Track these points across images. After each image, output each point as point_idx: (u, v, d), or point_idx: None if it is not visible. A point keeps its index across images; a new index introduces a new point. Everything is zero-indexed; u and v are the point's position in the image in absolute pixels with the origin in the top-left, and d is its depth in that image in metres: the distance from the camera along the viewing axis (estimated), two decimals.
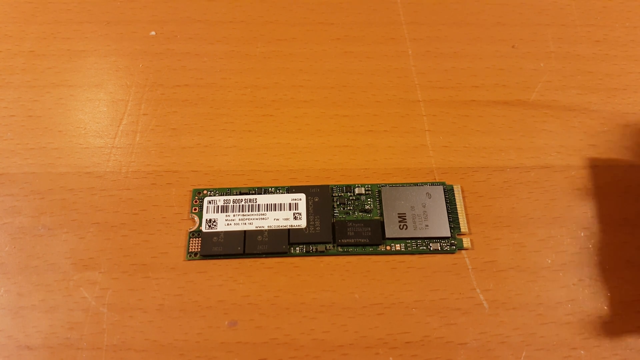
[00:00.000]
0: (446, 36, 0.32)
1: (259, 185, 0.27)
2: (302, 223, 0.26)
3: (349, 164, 0.28)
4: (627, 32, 0.32)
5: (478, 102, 0.30)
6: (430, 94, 0.30)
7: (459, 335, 0.24)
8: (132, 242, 0.26)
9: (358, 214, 0.26)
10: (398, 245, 0.26)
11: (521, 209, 0.27)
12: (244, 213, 0.26)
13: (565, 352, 0.24)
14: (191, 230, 0.26)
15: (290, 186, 0.27)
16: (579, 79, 0.31)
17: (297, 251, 0.25)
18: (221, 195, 0.27)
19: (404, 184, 0.27)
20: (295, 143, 0.29)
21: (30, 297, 0.24)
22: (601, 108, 0.30)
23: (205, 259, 0.25)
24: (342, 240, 0.25)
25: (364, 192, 0.27)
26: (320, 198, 0.27)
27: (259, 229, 0.26)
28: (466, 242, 0.26)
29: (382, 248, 0.26)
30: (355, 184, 0.27)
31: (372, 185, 0.27)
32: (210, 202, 0.27)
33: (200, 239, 0.26)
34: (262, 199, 0.27)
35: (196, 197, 0.27)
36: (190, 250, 0.25)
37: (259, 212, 0.26)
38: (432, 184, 0.27)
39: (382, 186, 0.27)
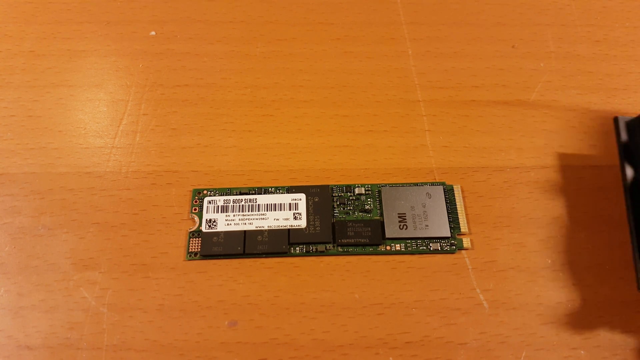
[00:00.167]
0: (446, 36, 0.32)
1: (259, 185, 0.27)
2: (302, 223, 0.26)
3: (349, 164, 0.28)
4: (627, 32, 0.32)
5: (478, 102, 0.30)
6: (430, 94, 0.30)
7: (459, 335, 0.24)
8: (132, 242, 0.26)
9: (358, 214, 0.26)
10: (398, 245, 0.26)
11: (521, 209, 0.27)
12: (244, 213, 0.26)
13: (565, 352, 0.24)
14: (191, 230, 0.26)
15: (290, 186, 0.27)
16: (579, 79, 0.31)
17: (297, 251, 0.25)
18: (221, 195, 0.27)
19: (404, 184, 0.27)
20: (295, 143, 0.29)
21: (30, 297, 0.24)
22: (601, 108, 0.30)
23: (205, 259, 0.25)
24: (342, 240, 0.25)
25: (364, 192, 0.27)
26: (320, 198, 0.27)
27: (259, 229, 0.26)
28: (466, 242, 0.26)
29: (382, 248, 0.26)
30: (355, 184, 0.27)
31: (372, 185, 0.27)
32: (210, 202, 0.27)
33: (200, 239, 0.26)
34: (262, 199, 0.27)
35: (196, 197, 0.27)
36: (190, 250, 0.25)
37: (259, 212, 0.26)
38: (432, 184, 0.27)
39: (382, 186, 0.27)
